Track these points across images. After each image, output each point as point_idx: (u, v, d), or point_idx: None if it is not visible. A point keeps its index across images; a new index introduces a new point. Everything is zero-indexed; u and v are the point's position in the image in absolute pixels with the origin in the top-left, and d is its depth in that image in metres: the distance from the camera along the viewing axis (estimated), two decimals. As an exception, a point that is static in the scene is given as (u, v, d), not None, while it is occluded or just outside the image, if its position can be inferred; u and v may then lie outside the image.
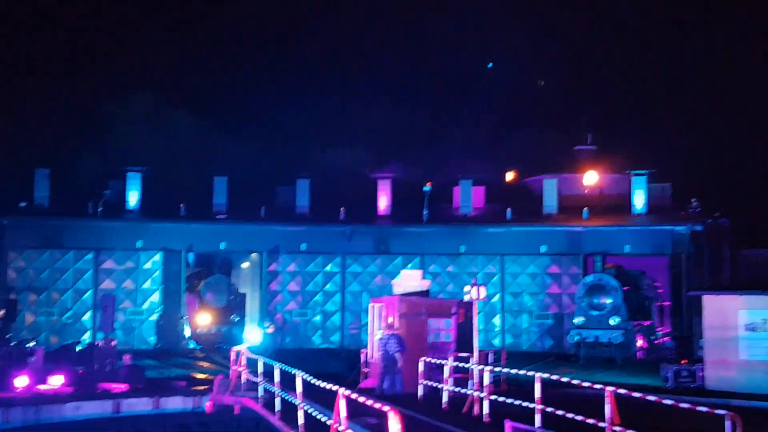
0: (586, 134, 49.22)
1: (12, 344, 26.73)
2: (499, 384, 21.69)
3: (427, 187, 41.81)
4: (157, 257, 40.11)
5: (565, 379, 15.08)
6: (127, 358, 27.01)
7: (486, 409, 16.71)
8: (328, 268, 41.65)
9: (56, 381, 24.64)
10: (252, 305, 42.57)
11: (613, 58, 58.55)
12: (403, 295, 24.72)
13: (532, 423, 13.43)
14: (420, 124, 58.07)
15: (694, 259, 38.15)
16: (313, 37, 61.33)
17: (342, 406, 12.59)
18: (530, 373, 14.81)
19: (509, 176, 48.55)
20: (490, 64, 56.56)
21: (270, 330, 38.81)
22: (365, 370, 24.81)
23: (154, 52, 56.54)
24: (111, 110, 51.68)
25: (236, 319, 39.56)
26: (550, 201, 42.00)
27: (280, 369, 18.17)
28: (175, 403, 24.17)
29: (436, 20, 61.66)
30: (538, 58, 57.54)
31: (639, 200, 41.38)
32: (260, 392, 20.59)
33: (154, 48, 57.23)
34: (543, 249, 40.64)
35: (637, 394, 12.38)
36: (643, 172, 41.71)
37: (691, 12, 59.39)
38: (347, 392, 12.72)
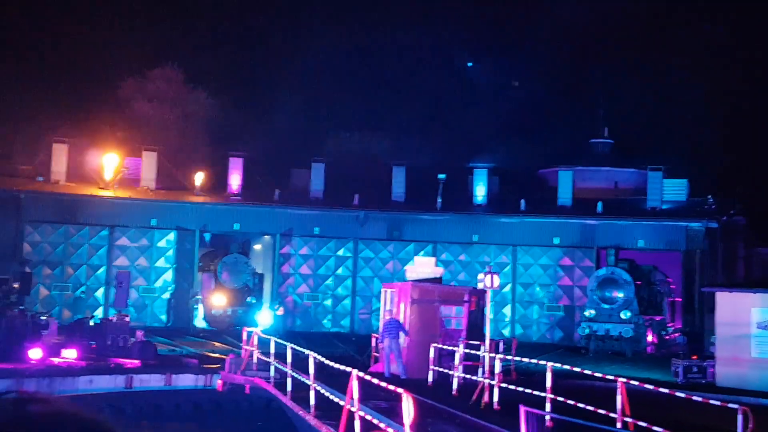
0: (603, 127, 48.95)
1: (27, 315, 26.92)
2: (509, 373, 21.73)
3: (442, 176, 41.82)
4: (171, 236, 40.30)
5: (577, 369, 15.11)
6: (140, 335, 27.25)
7: (496, 397, 16.78)
8: (341, 252, 41.75)
9: (69, 354, 24.89)
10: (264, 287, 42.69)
11: (632, 52, 58.18)
12: (416, 281, 24.74)
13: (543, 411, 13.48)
14: (435, 111, 57.97)
15: (708, 255, 38.04)
16: (330, 20, 61.22)
17: (355, 387, 12.67)
18: (541, 362, 14.84)
19: None
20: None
21: (280, 312, 38.93)
22: (375, 354, 24.91)
23: (173, 31, 56.59)
24: (128, 87, 51.83)
25: (252, 301, 39.39)
26: (565, 193, 41.89)
27: (292, 350, 18.28)
28: (186, 380, 24.45)
29: (453, 7, 61.52)
30: (556, 48, 57.26)
31: (654, 195, 41.18)
32: (272, 372, 20.73)
33: (172, 27, 57.27)
34: (556, 241, 40.59)
35: (649, 386, 12.41)
36: (659, 167, 41.53)
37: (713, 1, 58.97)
38: (361, 374, 12.80)
